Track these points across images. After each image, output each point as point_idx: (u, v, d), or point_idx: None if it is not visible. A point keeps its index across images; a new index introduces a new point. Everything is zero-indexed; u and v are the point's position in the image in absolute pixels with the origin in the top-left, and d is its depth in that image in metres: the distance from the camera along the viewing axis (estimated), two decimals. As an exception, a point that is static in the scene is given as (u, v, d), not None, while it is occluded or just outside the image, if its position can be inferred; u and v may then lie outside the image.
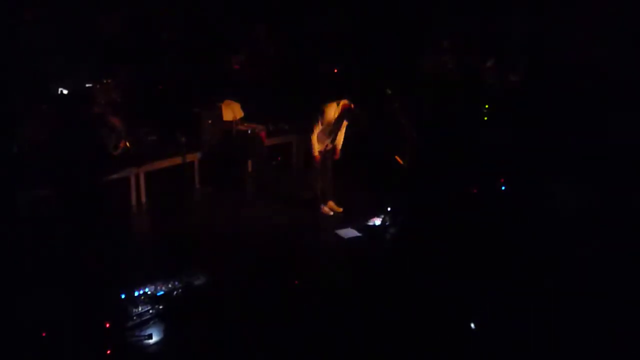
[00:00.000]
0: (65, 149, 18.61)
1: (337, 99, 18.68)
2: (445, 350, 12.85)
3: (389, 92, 19.01)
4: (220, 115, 22.39)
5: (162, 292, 13.75)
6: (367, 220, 18.63)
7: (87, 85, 21.63)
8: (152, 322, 13.21)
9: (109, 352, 12.00)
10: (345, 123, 18.90)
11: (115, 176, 19.30)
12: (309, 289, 14.94)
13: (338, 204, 20.08)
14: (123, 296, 13.36)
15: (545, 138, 21.13)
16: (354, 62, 24.86)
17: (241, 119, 22.85)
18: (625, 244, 16.51)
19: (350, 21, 24.92)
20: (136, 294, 13.50)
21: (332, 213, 19.75)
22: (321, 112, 18.66)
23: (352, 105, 18.34)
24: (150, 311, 13.28)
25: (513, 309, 14.11)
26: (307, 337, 12.91)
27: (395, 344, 12.94)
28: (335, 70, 24.48)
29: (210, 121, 21.90)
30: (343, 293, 14.78)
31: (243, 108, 23.09)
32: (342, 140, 19.45)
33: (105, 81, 21.72)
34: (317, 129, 18.68)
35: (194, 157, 21.75)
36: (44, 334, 12.21)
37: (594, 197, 18.68)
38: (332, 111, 18.61)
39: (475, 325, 13.59)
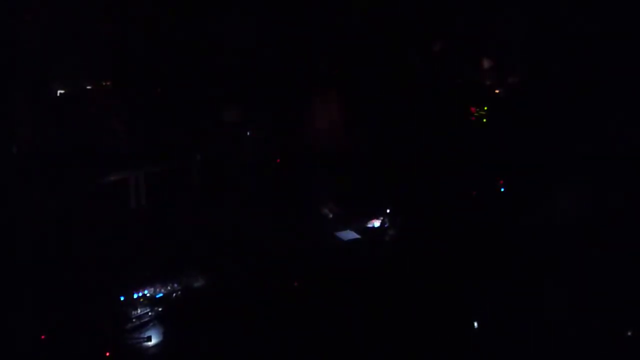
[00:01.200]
0: (65, 150, 18.62)
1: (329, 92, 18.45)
2: (445, 350, 12.89)
3: None
4: (221, 117, 22.36)
5: (161, 294, 13.78)
6: (366, 222, 18.60)
7: (87, 87, 21.61)
8: (151, 324, 13.23)
9: (107, 354, 12.03)
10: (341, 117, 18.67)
11: (114, 178, 19.26)
12: (308, 290, 14.95)
13: (337, 206, 20.04)
14: (122, 298, 13.38)
15: (545, 139, 21.07)
16: (353, 63, 24.78)
17: (241, 120, 22.80)
18: (625, 244, 16.49)
19: (348, 22, 24.84)
20: (135, 296, 13.52)
21: (331, 215, 19.72)
22: (316, 109, 18.45)
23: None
24: (149, 313, 13.32)
25: (513, 309, 14.13)
26: (307, 338, 12.93)
27: (395, 344, 12.97)
28: (337, 71, 24.43)
29: (210, 123, 21.89)
30: (343, 294, 14.79)
31: (243, 110, 23.05)
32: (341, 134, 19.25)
33: (104, 83, 21.69)
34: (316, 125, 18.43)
35: (194, 159, 21.69)
36: (43, 337, 12.23)
37: (593, 197, 18.63)
38: (328, 106, 18.34)
39: (475, 325, 13.61)
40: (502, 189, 20.91)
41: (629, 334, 13.66)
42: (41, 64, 20.90)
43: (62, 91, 21.41)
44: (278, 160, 23.70)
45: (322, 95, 22.55)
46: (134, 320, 13.19)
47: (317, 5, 23.87)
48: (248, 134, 22.34)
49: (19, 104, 19.72)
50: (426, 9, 23.52)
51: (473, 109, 23.14)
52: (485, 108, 23.13)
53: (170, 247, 17.08)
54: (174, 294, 14.05)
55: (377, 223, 18.50)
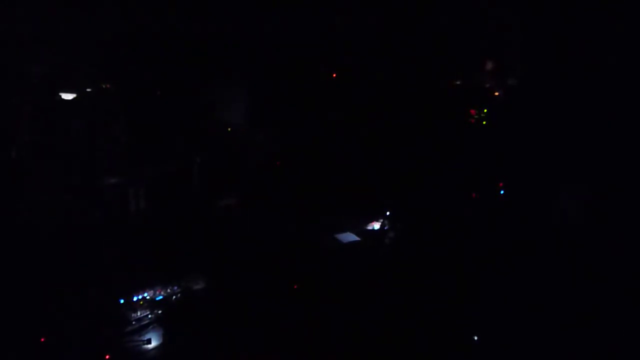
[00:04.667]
0: (64, 153, 18.65)
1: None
2: (445, 352, 12.89)
3: None
4: (220, 120, 22.41)
5: (160, 297, 13.79)
6: (366, 225, 18.63)
7: (87, 90, 21.65)
8: (151, 327, 13.25)
9: (107, 357, 12.04)
10: None
11: (114, 181, 19.29)
12: (308, 293, 14.97)
13: (337, 208, 20.04)
14: (122, 301, 13.40)
15: (545, 141, 21.12)
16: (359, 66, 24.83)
17: (241, 123, 22.84)
18: (625, 245, 16.52)
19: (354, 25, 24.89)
20: (135, 298, 13.54)
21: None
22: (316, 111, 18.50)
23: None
24: (149, 316, 13.33)
25: (513, 311, 14.14)
26: (307, 340, 12.93)
27: (395, 346, 12.97)
28: (335, 75, 24.49)
29: (210, 126, 21.94)
30: (342, 297, 14.79)
31: (243, 112, 23.09)
32: None
33: (104, 86, 21.74)
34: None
35: (194, 161, 21.72)
36: (42, 340, 12.24)
37: (594, 199, 18.65)
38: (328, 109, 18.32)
39: (475, 329, 13.63)
40: (502, 192, 20.95)
41: (630, 332, 13.67)
42: (41, 66, 20.96)
43: (62, 94, 21.47)
44: (278, 163, 23.73)
45: (321, 97, 22.62)
46: (133, 322, 13.20)
47: (316, 7, 23.96)
48: (248, 137, 22.39)
49: (18, 107, 19.78)
50: (426, 10, 23.61)
51: (473, 111, 23.19)
52: (485, 110, 23.17)
53: (170, 250, 17.10)
54: (174, 297, 14.07)
55: (376, 225, 18.52)
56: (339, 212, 20.10)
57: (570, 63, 21.41)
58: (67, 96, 21.38)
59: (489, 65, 23.96)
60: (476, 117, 23.29)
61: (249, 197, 21.90)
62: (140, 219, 20.04)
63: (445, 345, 13.22)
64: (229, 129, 22.21)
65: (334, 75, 24.45)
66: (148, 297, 13.38)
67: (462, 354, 13.06)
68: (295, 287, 14.86)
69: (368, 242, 17.85)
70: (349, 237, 17.48)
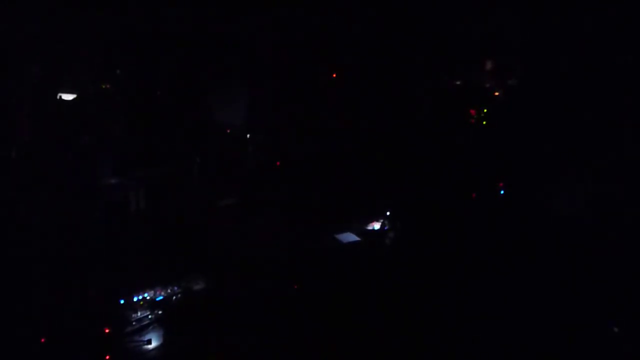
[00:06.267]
0: (64, 153, 18.65)
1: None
2: (445, 353, 12.90)
3: None
4: (221, 120, 22.41)
5: (161, 297, 13.79)
6: (366, 225, 18.62)
7: (87, 90, 21.64)
8: (151, 327, 13.25)
9: (107, 357, 12.04)
10: None
11: (114, 181, 19.28)
12: (308, 293, 14.96)
13: (338, 208, 20.04)
14: (122, 301, 13.40)
15: (545, 141, 21.13)
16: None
17: (240, 124, 22.83)
18: (625, 246, 16.52)
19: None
20: (135, 299, 13.54)
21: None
22: (316, 112, 18.50)
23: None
24: (149, 316, 13.33)
25: (513, 312, 14.14)
26: (307, 340, 12.93)
27: (395, 347, 12.97)
28: (334, 75, 24.47)
29: (210, 126, 21.94)
30: (342, 297, 14.79)
31: (243, 113, 23.08)
32: None
33: (104, 87, 21.74)
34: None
35: (194, 162, 21.70)
36: (42, 340, 12.24)
37: (593, 200, 18.66)
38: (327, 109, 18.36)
39: (475, 329, 13.64)
40: (502, 192, 20.96)
41: (629, 331, 13.70)
42: (41, 66, 20.95)
43: (61, 94, 21.46)
44: (278, 163, 23.71)
45: (321, 98, 22.62)
46: (133, 323, 13.19)
47: (316, 7, 23.95)
48: (248, 136, 22.39)
49: (18, 107, 19.78)
50: (426, 10, 23.61)
51: (473, 111, 23.21)
52: (485, 110, 23.19)
53: (170, 250, 17.09)
54: (174, 297, 14.07)
55: (377, 225, 18.52)
56: (339, 212, 20.08)
57: (570, 63, 21.42)
58: (67, 96, 21.37)
59: (489, 65, 23.97)
60: (476, 117, 23.31)
61: (249, 197, 21.87)
62: (140, 219, 20.02)
63: (446, 345, 13.21)
64: (228, 130, 22.20)
65: (334, 75, 24.43)
66: (148, 298, 13.37)
67: (462, 354, 13.04)
68: (296, 287, 14.85)
69: (368, 242, 17.80)
70: (349, 237, 17.46)
